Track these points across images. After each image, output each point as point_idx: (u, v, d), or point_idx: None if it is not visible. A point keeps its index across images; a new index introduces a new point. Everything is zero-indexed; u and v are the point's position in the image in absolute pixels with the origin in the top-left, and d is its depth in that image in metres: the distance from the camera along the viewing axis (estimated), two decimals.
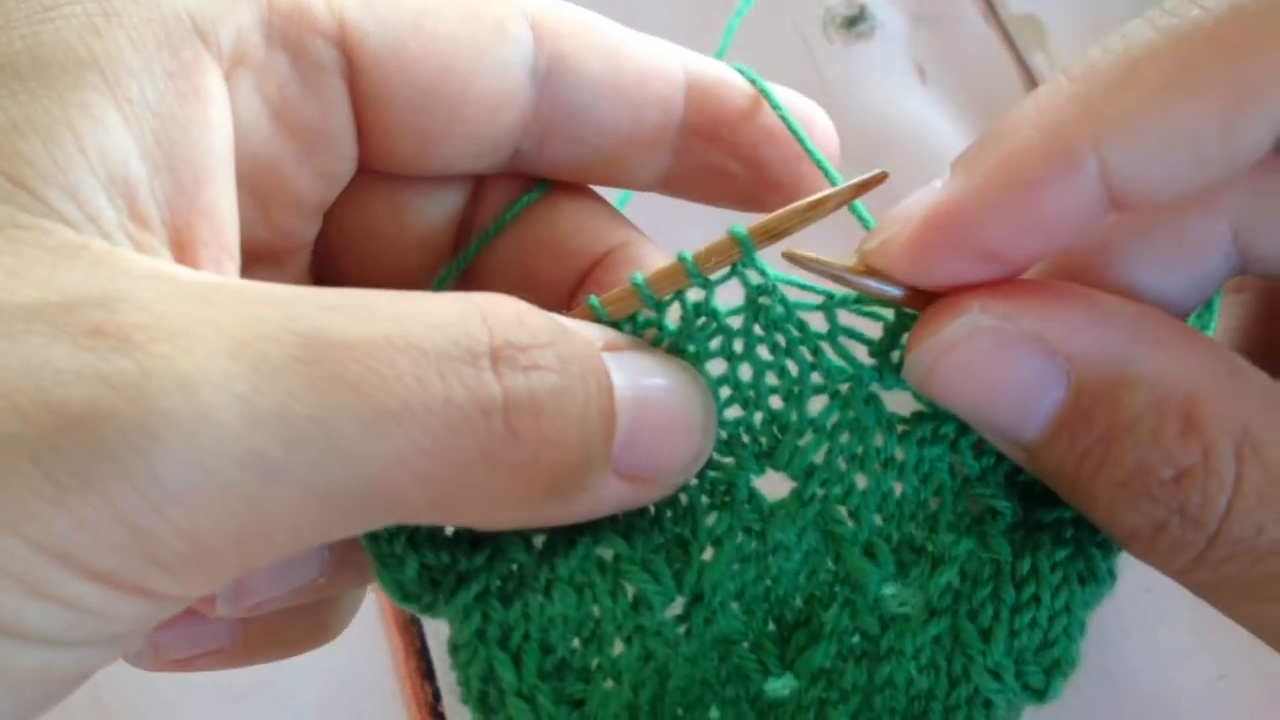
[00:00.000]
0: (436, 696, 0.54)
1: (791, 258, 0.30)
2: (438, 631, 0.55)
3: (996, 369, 0.28)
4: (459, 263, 0.36)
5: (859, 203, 0.32)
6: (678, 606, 0.32)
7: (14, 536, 0.21)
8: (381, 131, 0.33)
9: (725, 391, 0.32)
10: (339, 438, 0.24)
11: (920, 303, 0.30)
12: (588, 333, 0.30)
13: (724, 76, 0.36)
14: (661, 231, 0.37)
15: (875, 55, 0.68)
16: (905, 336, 0.31)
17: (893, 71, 0.67)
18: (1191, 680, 0.49)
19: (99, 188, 0.25)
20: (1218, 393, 0.26)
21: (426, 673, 0.55)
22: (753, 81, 0.36)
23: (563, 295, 0.36)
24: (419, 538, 0.32)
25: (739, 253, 0.30)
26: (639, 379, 0.29)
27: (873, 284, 0.29)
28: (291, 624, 0.35)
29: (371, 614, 0.54)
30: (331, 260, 0.36)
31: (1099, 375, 0.27)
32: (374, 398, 0.24)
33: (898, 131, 0.65)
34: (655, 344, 0.31)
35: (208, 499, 0.23)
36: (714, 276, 0.31)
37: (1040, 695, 0.31)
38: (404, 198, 0.36)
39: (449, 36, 0.32)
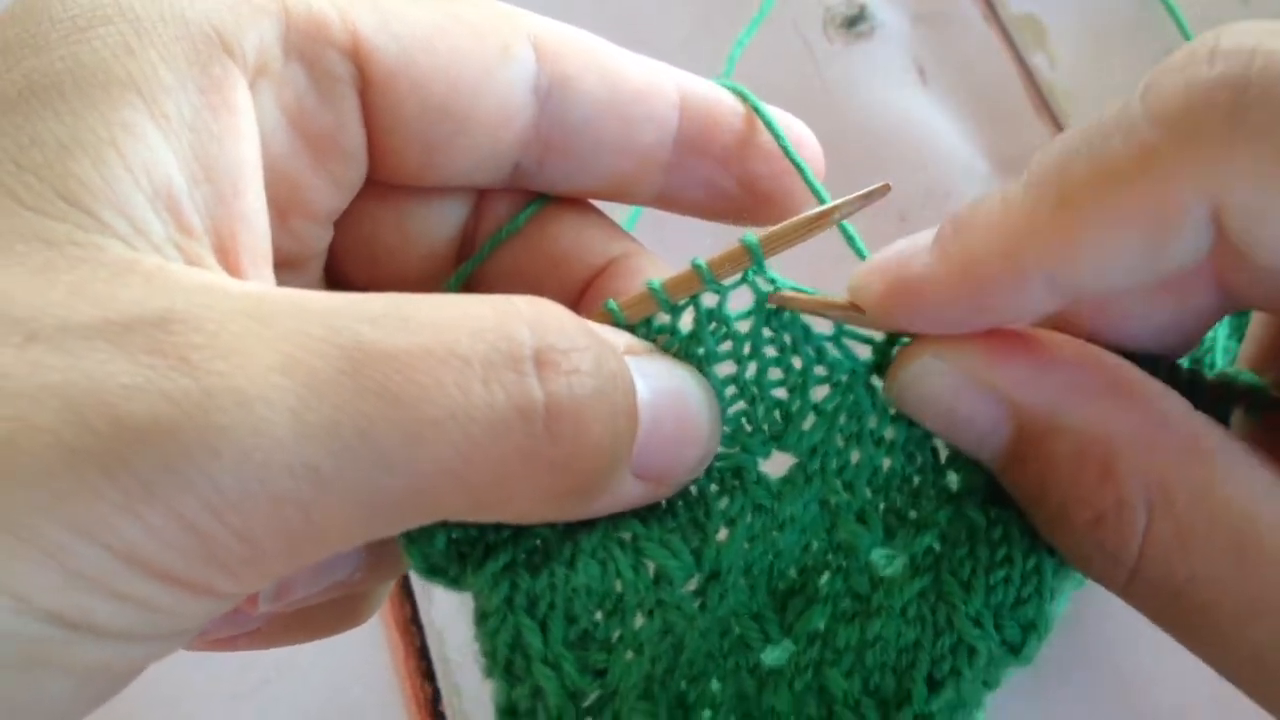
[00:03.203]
0: (436, 696, 0.54)
1: (780, 301, 0.33)
2: (438, 632, 0.55)
3: (950, 408, 0.31)
4: (461, 273, 0.38)
5: (849, 224, 0.34)
6: (694, 582, 0.34)
7: (90, 542, 0.23)
8: (390, 143, 0.34)
9: (730, 390, 0.34)
10: (383, 448, 0.25)
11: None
12: (611, 337, 0.31)
13: (717, 95, 0.38)
14: (659, 246, 0.39)
15: (875, 55, 0.68)
16: (897, 348, 0.34)
17: (893, 71, 0.68)
18: (1198, 684, 0.49)
19: (146, 202, 0.27)
20: (1136, 444, 0.29)
21: (426, 673, 0.55)
22: (745, 99, 0.38)
23: (565, 305, 0.37)
24: None
25: (749, 260, 0.32)
26: (655, 384, 0.31)
27: (855, 317, 0.33)
28: (325, 611, 0.37)
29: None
30: (340, 267, 0.38)
31: (1033, 422, 0.30)
32: (416, 407, 0.25)
33: (898, 131, 0.66)
34: (667, 348, 0.33)
35: (263, 506, 0.24)
36: (726, 283, 0.33)
37: (1017, 651, 0.33)
38: (409, 209, 0.38)
39: (458, 54, 0.34)
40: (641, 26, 0.69)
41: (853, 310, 0.32)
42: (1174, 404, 0.30)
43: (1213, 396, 0.32)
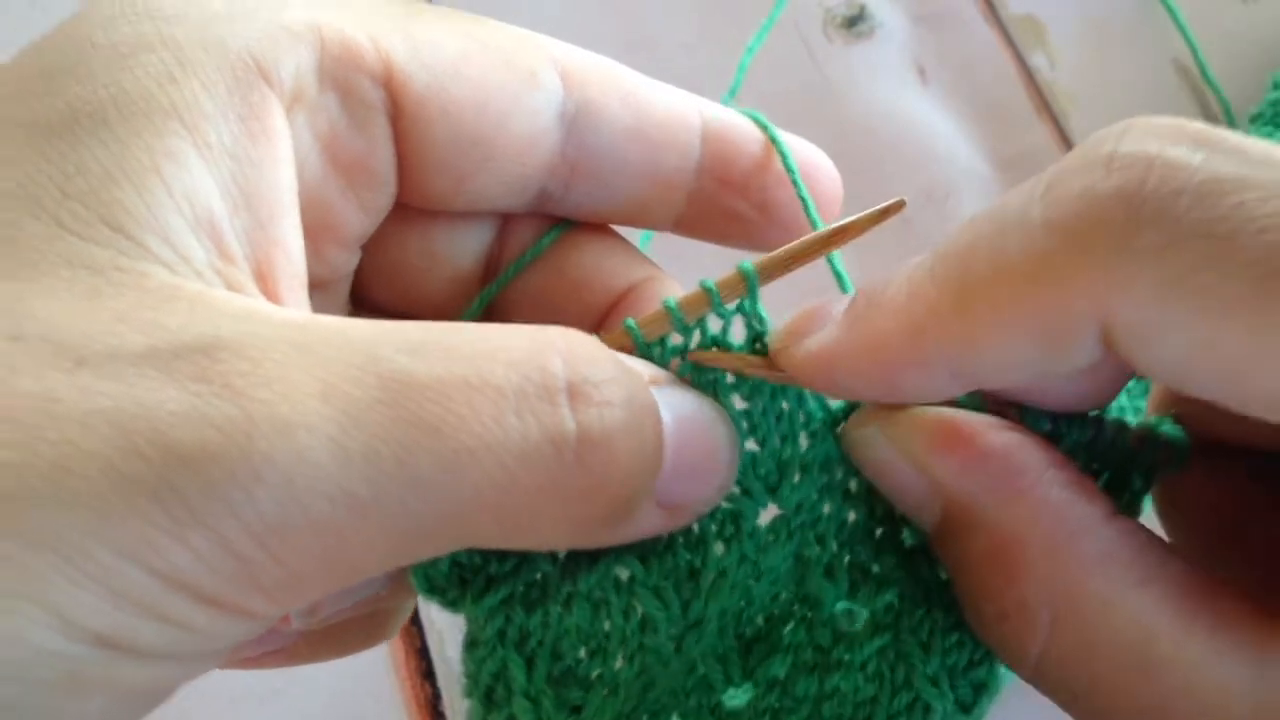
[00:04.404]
0: (437, 696, 0.54)
1: (700, 359, 0.33)
2: (438, 632, 0.55)
3: (890, 479, 0.32)
4: (484, 297, 0.39)
5: (836, 256, 0.35)
6: (675, 629, 0.34)
7: (137, 566, 0.24)
8: (419, 168, 0.35)
9: (744, 425, 0.34)
10: (420, 476, 0.26)
11: None
12: (638, 368, 0.32)
13: (737, 123, 0.38)
14: (678, 268, 0.39)
15: (875, 55, 0.68)
16: None
17: (893, 71, 0.68)
18: None
19: (188, 229, 0.27)
20: (1045, 552, 0.29)
21: (426, 673, 0.55)
22: (763, 128, 0.38)
23: (586, 330, 0.38)
24: None
25: (745, 288, 0.33)
26: (679, 413, 0.31)
27: (778, 376, 0.33)
28: (352, 628, 0.38)
29: None
30: (366, 289, 0.38)
31: (955, 512, 0.31)
32: (452, 437, 0.26)
33: (898, 131, 0.66)
34: (681, 374, 0.33)
35: (303, 532, 0.25)
36: (731, 307, 0.33)
37: (968, 710, 0.34)
38: (435, 233, 0.38)
39: (486, 82, 0.34)
40: (647, 33, 0.69)
41: (774, 370, 0.33)
42: (1089, 512, 0.30)
43: (1136, 448, 0.32)
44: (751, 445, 0.34)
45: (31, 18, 0.70)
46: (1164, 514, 0.35)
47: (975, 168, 0.65)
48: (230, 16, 0.30)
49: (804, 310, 0.32)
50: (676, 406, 0.31)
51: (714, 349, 0.33)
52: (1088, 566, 0.29)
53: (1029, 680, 0.31)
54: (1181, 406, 0.33)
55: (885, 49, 0.69)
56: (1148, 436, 0.32)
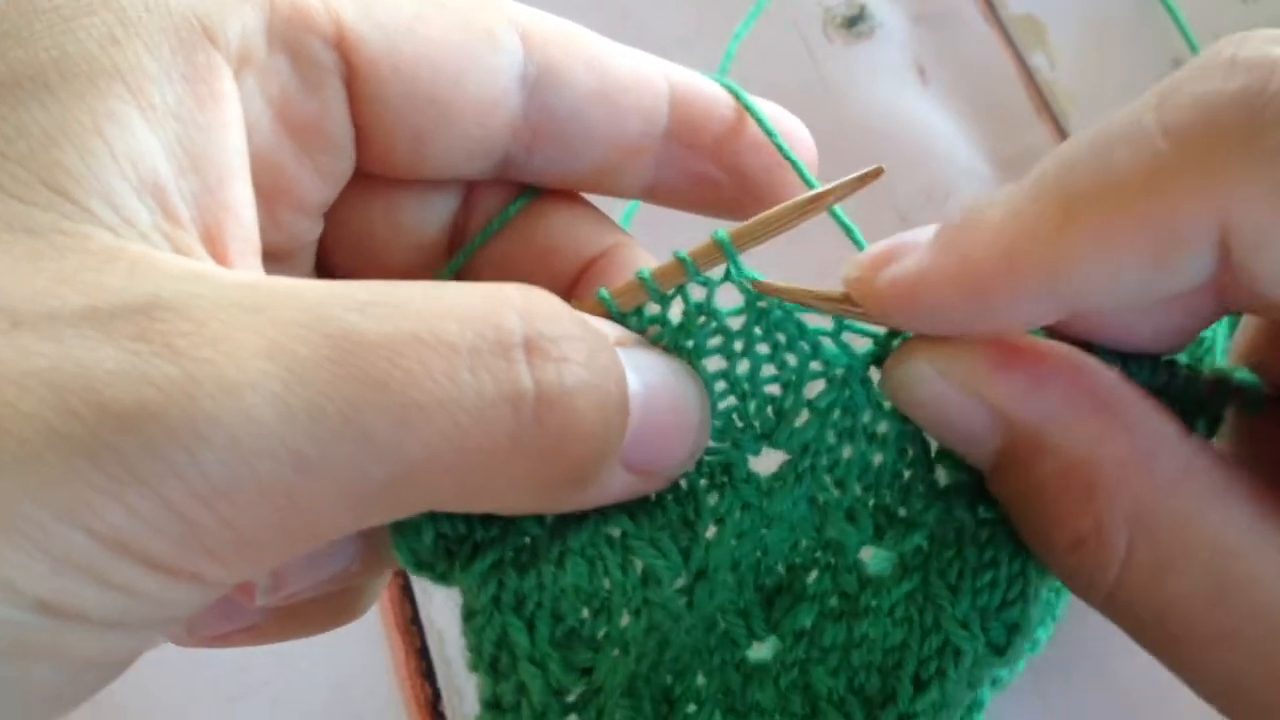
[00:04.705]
0: (437, 696, 0.54)
1: (766, 290, 0.32)
2: (438, 632, 0.55)
3: (940, 414, 0.31)
4: (452, 266, 0.38)
5: (839, 209, 0.34)
6: (681, 581, 0.34)
7: (76, 528, 0.23)
8: (376, 132, 0.34)
9: (720, 385, 0.34)
10: (369, 434, 0.25)
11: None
12: (602, 328, 0.31)
13: (706, 87, 0.38)
14: (654, 241, 0.39)
15: (875, 55, 0.68)
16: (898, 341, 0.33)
17: (893, 71, 0.68)
18: None
19: (131, 191, 0.27)
20: (1122, 471, 0.29)
21: (426, 673, 0.55)
22: (733, 93, 0.38)
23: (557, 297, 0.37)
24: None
25: (722, 256, 0.32)
26: (646, 376, 0.31)
27: (849, 311, 0.32)
28: (321, 605, 0.37)
29: (372, 614, 0.54)
30: (331, 260, 0.38)
31: (1021, 438, 0.30)
32: (402, 393, 0.25)
33: (898, 131, 0.66)
34: (657, 340, 0.33)
35: (250, 493, 0.24)
36: (709, 274, 0.32)
37: (1001, 652, 0.33)
38: (399, 201, 0.38)
39: (441, 41, 0.34)
40: (639, 25, 0.69)
41: (847, 304, 0.31)
42: (1164, 430, 0.29)
43: (1208, 394, 0.32)
44: (732, 401, 0.34)
45: None
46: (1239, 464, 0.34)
47: (975, 168, 0.65)
48: None
49: (884, 243, 0.31)
50: (645, 369, 0.31)
51: (701, 317, 0.33)
52: (1166, 484, 0.28)
53: (1100, 608, 0.30)
54: (1261, 356, 0.33)
55: (885, 49, 0.69)
56: (1221, 381, 0.32)
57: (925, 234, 0.30)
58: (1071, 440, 0.29)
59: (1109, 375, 0.30)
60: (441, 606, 0.56)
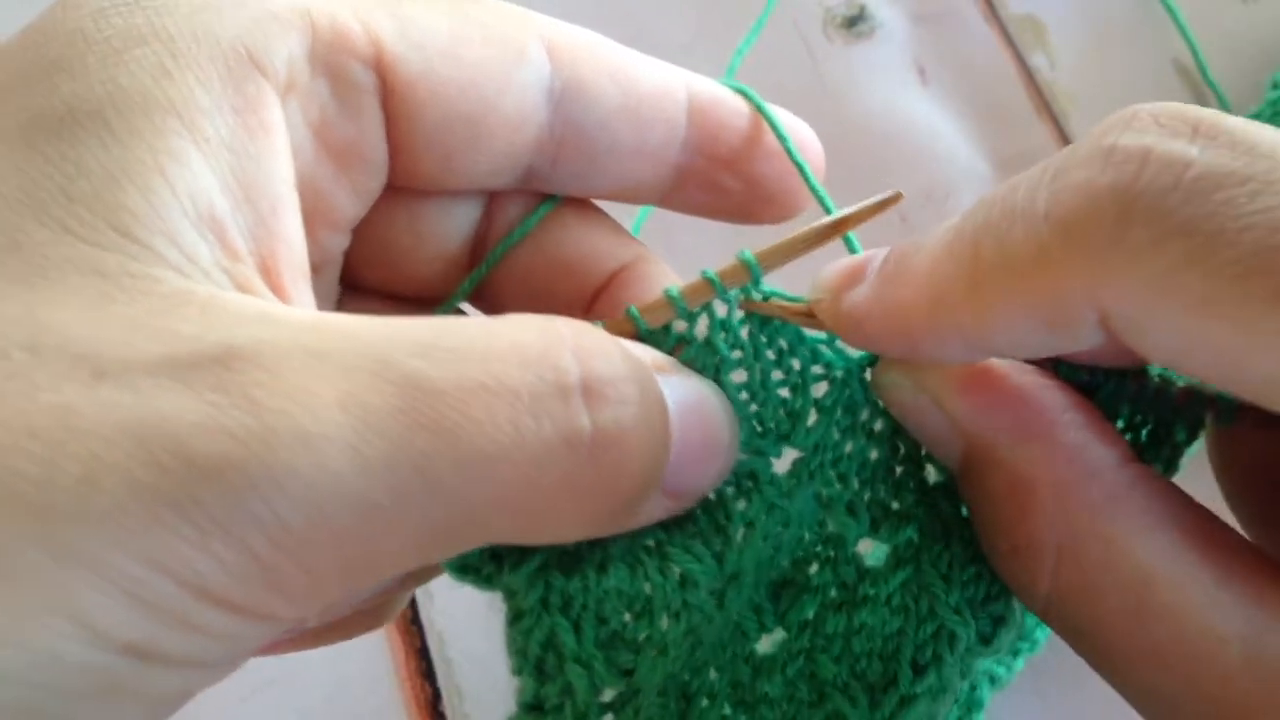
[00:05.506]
0: (437, 696, 0.54)
1: (747, 306, 0.34)
2: (438, 632, 0.55)
3: (915, 420, 0.34)
4: (474, 277, 0.39)
5: (853, 235, 0.35)
6: (716, 583, 0.34)
7: (165, 576, 0.24)
8: (409, 150, 0.35)
9: (743, 395, 0.35)
10: (440, 482, 0.26)
11: None
12: (643, 356, 0.32)
13: (723, 96, 0.38)
14: (665, 246, 0.40)
15: (875, 55, 0.68)
16: None
17: (893, 71, 0.68)
18: None
19: (192, 228, 0.27)
20: (1055, 493, 0.30)
21: (426, 673, 0.55)
22: (751, 101, 0.38)
23: (577, 311, 0.38)
24: None
25: (748, 276, 0.34)
26: (681, 401, 0.32)
27: (813, 324, 0.34)
28: (356, 616, 0.38)
29: None
30: (354, 269, 0.38)
31: (977, 450, 0.32)
32: (471, 444, 0.26)
33: (898, 131, 0.66)
34: (684, 358, 0.34)
35: (325, 540, 0.25)
36: (733, 293, 0.34)
37: (988, 642, 0.35)
38: (423, 212, 0.38)
39: (476, 61, 0.34)
40: (644, 29, 0.69)
41: (810, 318, 0.34)
42: (1103, 456, 0.30)
43: (1180, 404, 0.32)
44: (755, 408, 0.35)
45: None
46: (1220, 472, 0.35)
47: (975, 168, 0.65)
48: (219, 6, 0.30)
49: (842, 265, 0.33)
50: (680, 394, 0.31)
51: (723, 332, 0.34)
52: (1094, 508, 0.30)
53: (1039, 615, 0.32)
54: None
55: (885, 49, 0.69)
56: (1193, 391, 0.33)
57: (876, 261, 0.32)
58: (1015, 459, 0.31)
59: (1060, 400, 0.32)
60: (442, 607, 0.56)
